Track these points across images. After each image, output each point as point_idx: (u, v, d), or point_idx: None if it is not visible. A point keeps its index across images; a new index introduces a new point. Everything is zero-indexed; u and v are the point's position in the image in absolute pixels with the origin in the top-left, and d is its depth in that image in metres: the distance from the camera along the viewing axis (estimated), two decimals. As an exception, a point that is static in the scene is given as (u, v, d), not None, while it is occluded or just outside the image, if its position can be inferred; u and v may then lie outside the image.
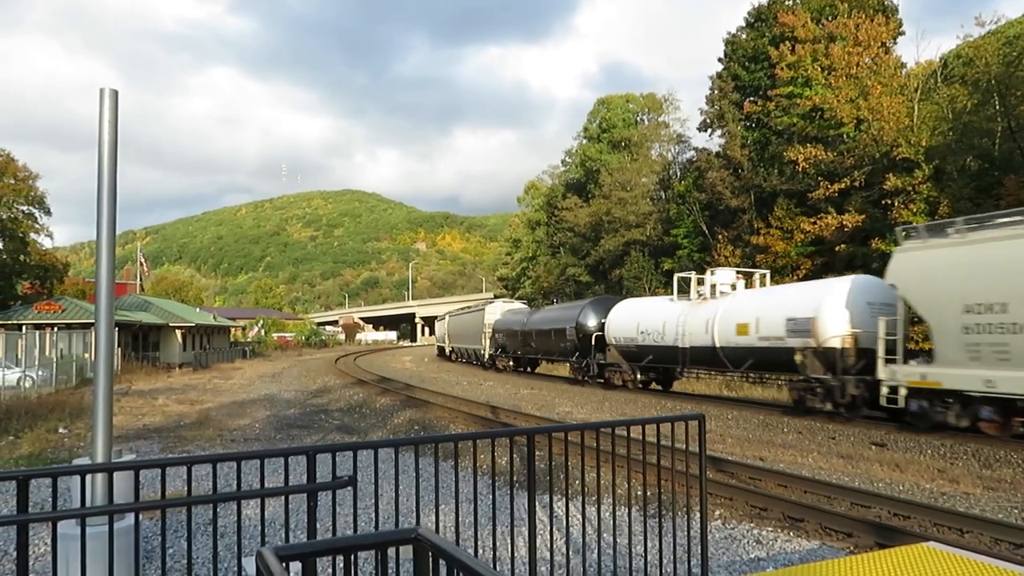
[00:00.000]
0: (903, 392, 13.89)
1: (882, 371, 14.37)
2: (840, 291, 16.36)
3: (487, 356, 39.16)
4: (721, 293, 21.19)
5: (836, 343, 15.84)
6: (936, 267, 13.47)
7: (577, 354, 28.28)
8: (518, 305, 43.44)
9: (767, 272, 23.13)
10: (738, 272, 22.24)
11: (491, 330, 38.47)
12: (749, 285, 21.67)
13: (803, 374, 16.71)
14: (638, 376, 24.26)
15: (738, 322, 19.05)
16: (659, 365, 23.39)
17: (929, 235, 13.97)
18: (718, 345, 19.77)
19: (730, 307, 19.84)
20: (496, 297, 67.08)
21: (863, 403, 15.22)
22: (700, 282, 22.19)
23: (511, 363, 36.74)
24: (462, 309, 50.74)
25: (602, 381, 26.04)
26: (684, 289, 22.84)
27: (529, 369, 36.37)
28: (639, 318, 24.09)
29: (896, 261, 14.45)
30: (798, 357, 16.60)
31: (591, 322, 27.55)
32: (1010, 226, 12.54)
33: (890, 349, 14.34)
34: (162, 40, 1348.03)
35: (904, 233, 14.74)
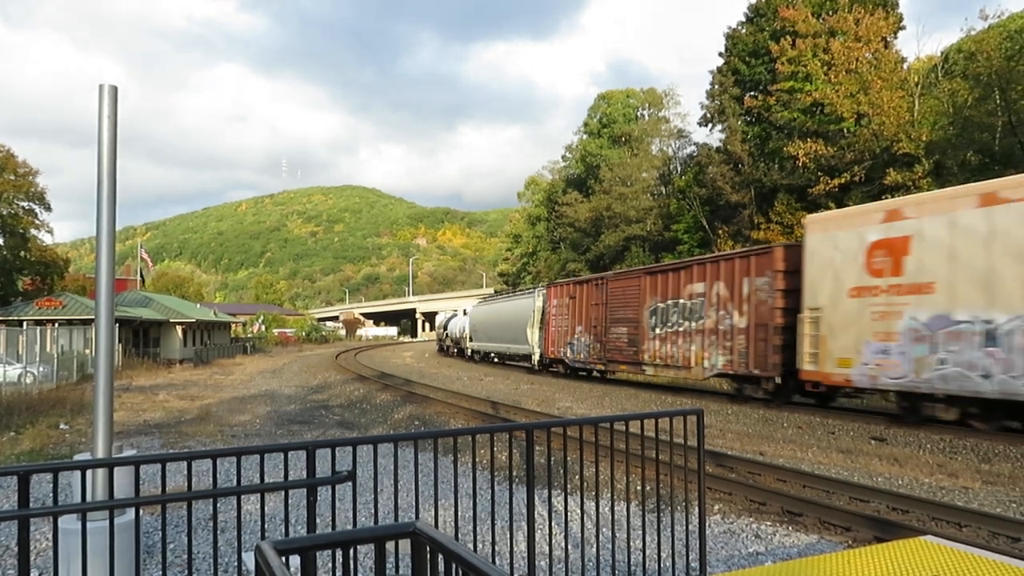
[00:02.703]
0: (470, 351, 41.78)
1: (467, 345, 42.00)
2: (466, 318, 42.32)
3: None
4: (465, 313, 44.98)
5: (467, 336, 42.26)
6: (477, 312, 41.10)
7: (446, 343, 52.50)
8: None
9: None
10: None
11: (439, 328, 58.93)
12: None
13: (465, 349, 42.90)
14: (455, 351, 47.21)
15: (459, 327, 45.22)
16: (456, 346, 46.59)
17: (480, 300, 46.61)
18: (456, 337, 45.69)
19: (459, 321, 45.86)
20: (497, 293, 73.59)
21: (478, 359, 40.98)
22: (464, 309, 47.07)
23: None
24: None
25: (451, 355, 48.73)
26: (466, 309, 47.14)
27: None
28: (453, 324, 48.28)
29: (472, 308, 43.34)
30: (462, 343, 43.53)
31: (447, 324, 51.02)
32: (494, 298, 42.80)
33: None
34: (171, 37, 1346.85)
35: (478, 301, 43.01)
